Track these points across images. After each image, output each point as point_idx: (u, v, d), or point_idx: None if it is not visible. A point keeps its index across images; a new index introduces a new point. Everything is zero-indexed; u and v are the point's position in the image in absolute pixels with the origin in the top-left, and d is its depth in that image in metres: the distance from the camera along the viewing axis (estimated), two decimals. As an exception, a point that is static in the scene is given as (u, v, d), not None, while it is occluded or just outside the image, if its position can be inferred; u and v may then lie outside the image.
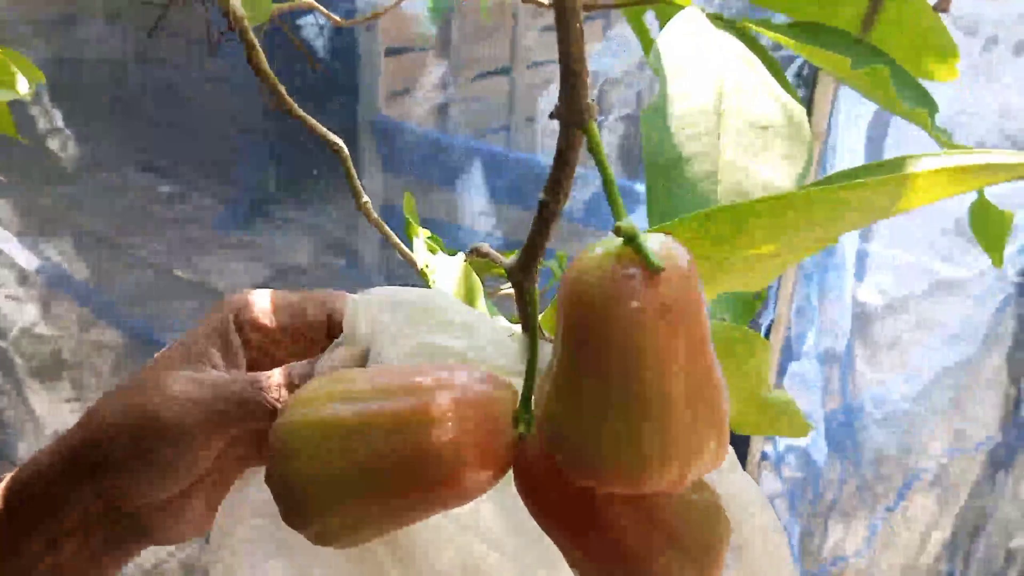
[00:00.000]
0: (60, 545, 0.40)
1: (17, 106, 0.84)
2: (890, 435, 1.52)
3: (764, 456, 1.04)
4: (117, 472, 0.38)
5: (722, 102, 0.57)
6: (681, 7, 0.55)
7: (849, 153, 0.98)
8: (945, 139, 0.61)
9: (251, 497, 0.32)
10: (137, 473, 0.38)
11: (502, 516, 0.35)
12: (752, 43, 0.60)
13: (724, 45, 0.57)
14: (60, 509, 0.40)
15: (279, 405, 0.35)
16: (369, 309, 0.34)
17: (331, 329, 0.40)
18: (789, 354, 1.05)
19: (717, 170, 0.58)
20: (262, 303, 0.38)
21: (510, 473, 0.31)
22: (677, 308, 0.26)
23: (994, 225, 0.59)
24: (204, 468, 0.38)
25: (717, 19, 0.58)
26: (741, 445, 1.00)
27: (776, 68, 0.65)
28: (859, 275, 1.33)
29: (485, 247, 0.39)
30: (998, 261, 0.59)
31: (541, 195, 0.28)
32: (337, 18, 0.79)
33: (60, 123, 2.34)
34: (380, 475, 0.29)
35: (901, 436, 1.56)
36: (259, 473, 0.34)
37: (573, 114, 0.26)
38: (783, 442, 1.08)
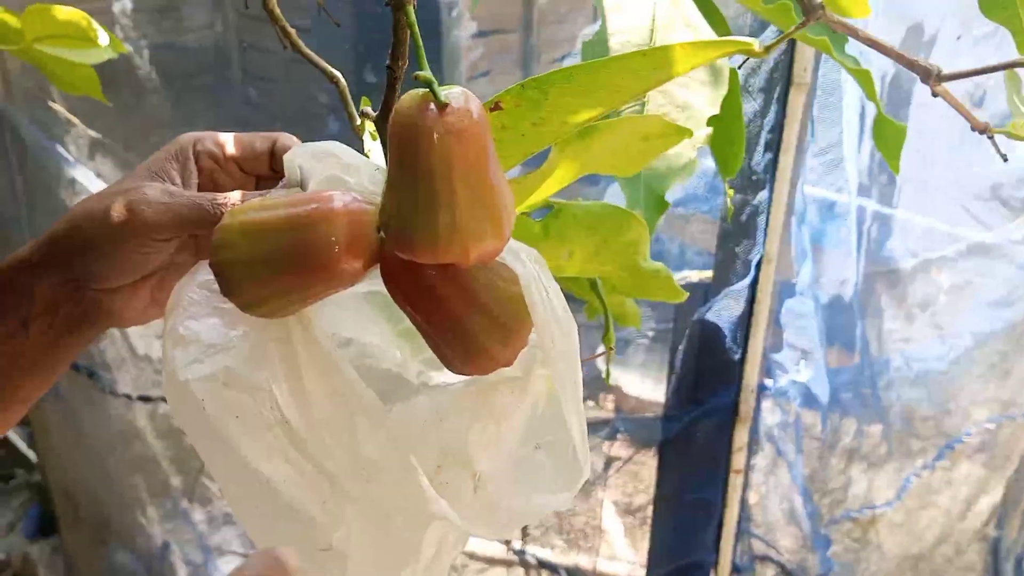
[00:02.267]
0: (28, 326, 0.50)
1: (124, 89, 0.96)
2: (922, 394, 1.56)
3: (763, 388, 1.12)
4: (91, 254, 0.48)
5: (653, 36, 0.68)
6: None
7: (842, 104, 1.06)
8: (851, 64, 0.71)
9: (199, 277, 0.45)
10: (107, 256, 0.48)
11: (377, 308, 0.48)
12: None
13: None
14: (33, 292, 0.49)
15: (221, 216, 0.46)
16: (301, 156, 0.46)
17: (272, 159, 0.51)
18: (786, 291, 1.13)
19: (646, 99, 0.70)
20: (215, 138, 0.51)
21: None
22: (459, 132, 0.37)
23: (892, 137, 0.67)
24: (158, 262, 0.49)
25: None
26: (734, 375, 1.08)
27: (712, 9, 0.75)
28: (884, 236, 1.39)
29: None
30: (896, 168, 0.68)
31: (387, 64, 0.41)
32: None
33: (166, 108, 2.54)
34: (279, 260, 0.42)
35: (936, 397, 1.59)
36: (207, 263, 0.47)
37: (398, 2, 0.38)
38: (784, 377, 1.16)
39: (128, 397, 1.71)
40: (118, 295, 0.50)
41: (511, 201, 0.40)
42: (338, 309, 0.49)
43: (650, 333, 1.30)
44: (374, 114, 0.49)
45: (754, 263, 1.04)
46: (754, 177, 1.03)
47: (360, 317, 0.49)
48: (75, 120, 1.71)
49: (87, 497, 2.13)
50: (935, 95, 0.39)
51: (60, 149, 1.71)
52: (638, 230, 0.58)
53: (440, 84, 0.37)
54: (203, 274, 0.45)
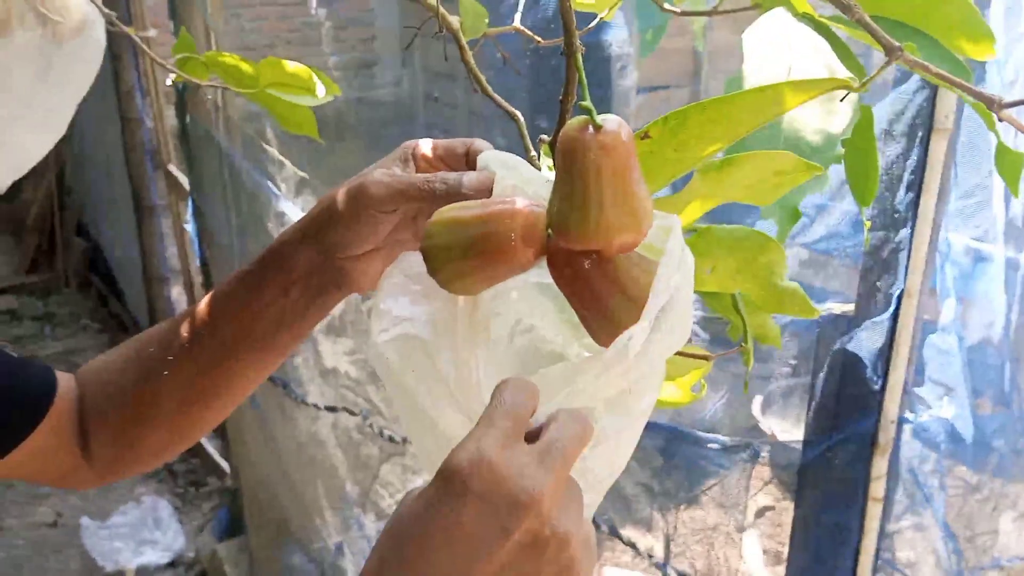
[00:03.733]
0: (289, 291, 0.63)
1: (326, 135, 1.13)
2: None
3: (903, 420, 1.16)
4: (335, 226, 0.61)
5: (790, 73, 0.79)
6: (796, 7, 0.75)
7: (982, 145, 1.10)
8: (971, 100, 0.78)
9: (400, 265, 0.59)
10: (346, 227, 0.60)
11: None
12: (826, 32, 0.80)
13: (798, 34, 0.78)
14: (293, 263, 0.62)
15: (439, 190, 0.58)
16: (492, 160, 0.60)
17: (468, 160, 0.63)
18: (929, 327, 1.17)
19: (781, 121, 0.80)
20: (428, 142, 0.64)
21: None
22: (609, 148, 0.50)
23: (1010, 164, 0.74)
24: (385, 234, 0.61)
25: (805, 16, 0.78)
26: (873, 405, 1.13)
27: (846, 51, 0.84)
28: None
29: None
30: (1015, 191, 0.74)
31: (560, 99, 0.54)
32: (539, 38, 1.05)
33: (361, 153, 2.79)
34: (471, 247, 0.55)
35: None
36: (411, 254, 0.60)
37: (570, 46, 0.52)
38: (926, 412, 1.19)
39: (316, 407, 1.91)
40: (356, 264, 0.63)
41: (649, 206, 0.52)
42: (521, 301, 0.62)
43: (792, 361, 1.36)
44: (548, 139, 0.63)
45: (895, 297, 1.10)
46: (896, 215, 1.09)
47: (535, 306, 0.62)
48: (286, 161, 1.96)
49: (272, 500, 2.35)
50: (1000, 120, 0.48)
51: (271, 186, 1.96)
52: (775, 252, 0.68)
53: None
54: (404, 263, 0.59)
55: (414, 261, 0.59)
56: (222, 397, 0.70)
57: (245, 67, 1.14)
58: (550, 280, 0.57)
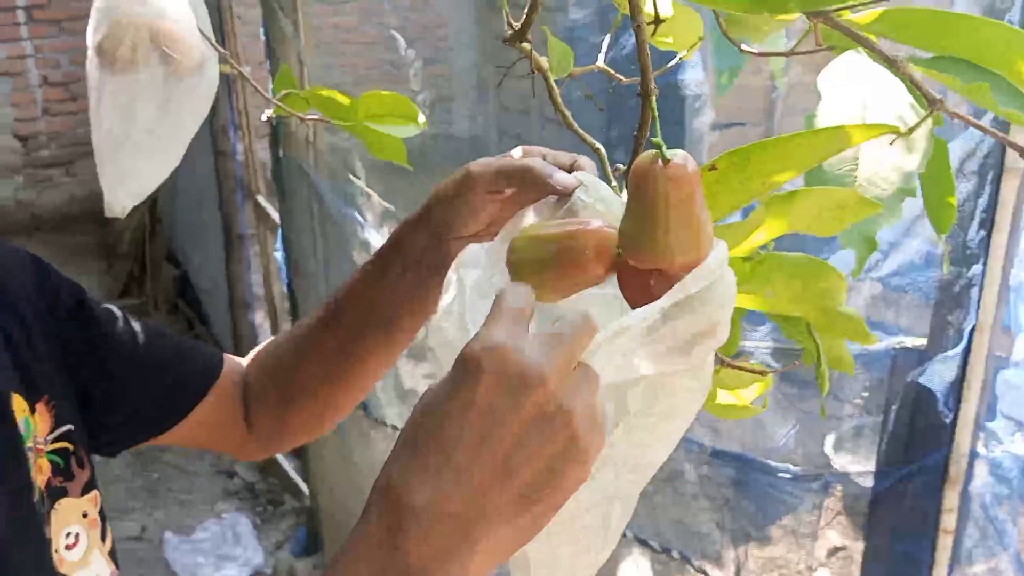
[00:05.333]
0: (406, 271, 0.70)
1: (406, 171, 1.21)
2: None
3: (975, 454, 1.17)
4: (444, 207, 0.67)
5: (865, 111, 0.83)
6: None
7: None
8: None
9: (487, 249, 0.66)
10: (455, 208, 0.66)
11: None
12: (899, 73, 0.84)
13: (873, 75, 0.81)
14: (410, 245, 0.70)
15: (530, 175, 0.64)
16: (585, 179, 0.66)
17: (571, 169, 0.69)
18: (1001, 363, 1.19)
19: (856, 156, 0.84)
20: (535, 149, 0.70)
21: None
22: (675, 179, 0.55)
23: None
24: (489, 216, 0.67)
25: (879, 55, 0.82)
26: (945, 439, 1.14)
27: (918, 92, 0.88)
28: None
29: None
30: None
31: (634, 134, 0.60)
32: (622, 77, 1.11)
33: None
34: (550, 260, 0.61)
35: None
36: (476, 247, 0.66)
37: (645, 89, 0.58)
38: (998, 447, 1.20)
39: (394, 428, 1.98)
40: (463, 244, 0.67)
41: (710, 232, 0.57)
42: (596, 309, 0.68)
43: (864, 395, 1.38)
44: (623, 168, 0.68)
45: (967, 331, 1.12)
46: (968, 252, 1.12)
47: (604, 313, 0.68)
48: (372, 192, 2.05)
49: (349, 519, 2.43)
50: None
51: (357, 216, 2.06)
52: (835, 280, 0.72)
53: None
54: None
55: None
56: (357, 376, 0.77)
57: (342, 100, 1.23)
58: (618, 293, 0.63)
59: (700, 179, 0.57)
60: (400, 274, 0.71)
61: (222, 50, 1.35)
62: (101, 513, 0.71)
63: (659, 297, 0.59)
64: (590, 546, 0.64)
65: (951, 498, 1.19)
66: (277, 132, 2.27)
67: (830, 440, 2.53)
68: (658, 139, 0.55)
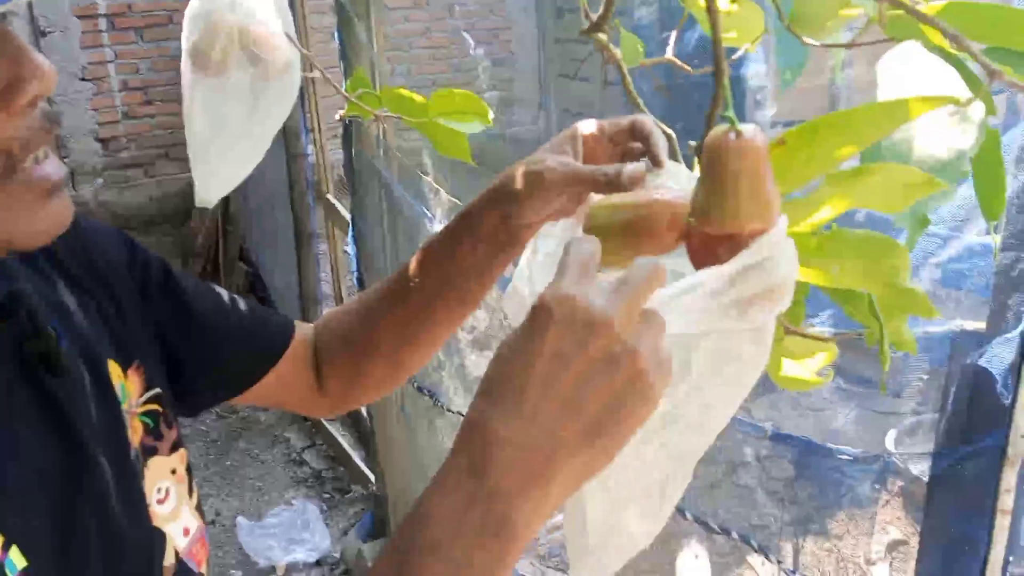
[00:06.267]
0: (476, 247, 0.76)
1: (470, 168, 1.27)
2: None
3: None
4: (513, 198, 0.72)
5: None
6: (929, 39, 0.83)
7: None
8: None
9: (561, 225, 0.72)
10: (522, 200, 0.71)
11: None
12: (955, 61, 0.87)
13: (930, 64, 0.85)
14: (481, 223, 0.75)
15: (602, 180, 0.69)
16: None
17: (632, 131, 0.73)
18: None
19: (912, 139, 0.87)
20: (596, 122, 0.75)
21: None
22: (745, 151, 0.60)
23: None
24: (553, 208, 0.71)
25: (937, 47, 0.85)
26: (1004, 420, 1.17)
27: (974, 80, 0.92)
28: None
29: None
30: None
31: (707, 112, 0.66)
32: (688, 67, 1.16)
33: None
34: (625, 228, 0.66)
35: None
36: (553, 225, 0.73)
37: (718, 67, 0.63)
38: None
39: (460, 415, 2.05)
40: (529, 230, 0.75)
41: (777, 202, 0.62)
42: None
43: (924, 376, 1.40)
44: (694, 144, 0.74)
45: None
46: (1027, 237, 1.14)
47: (671, 282, 0.74)
48: (440, 189, 2.13)
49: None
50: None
51: (425, 211, 2.13)
52: (900, 256, 0.76)
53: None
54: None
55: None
56: (427, 337, 0.84)
57: (415, 99, 1.30)
58: (685, 267, 0.67)
59: (769, 152, 0.62)
60: (471, 249, 0.77)
61: (307, 52, 1.44)
62: (188, 470, 0.76)
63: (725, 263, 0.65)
64: (645, 513, 0.68)
65: (1009, 478, 1.21)
66: (349, 132, 2.36)
67: (891, 437, 2.53)
68: (730, 114, 0.61)
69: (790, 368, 0.86)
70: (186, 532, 0.72)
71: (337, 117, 2.41)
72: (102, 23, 4.87)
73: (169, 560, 0.69)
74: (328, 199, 3.19)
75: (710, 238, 0.63)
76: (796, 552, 1.65)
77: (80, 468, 0.62)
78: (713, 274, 0.60)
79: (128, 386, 0.71)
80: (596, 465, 0.52)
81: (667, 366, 0.53)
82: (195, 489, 0.76)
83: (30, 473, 0.58)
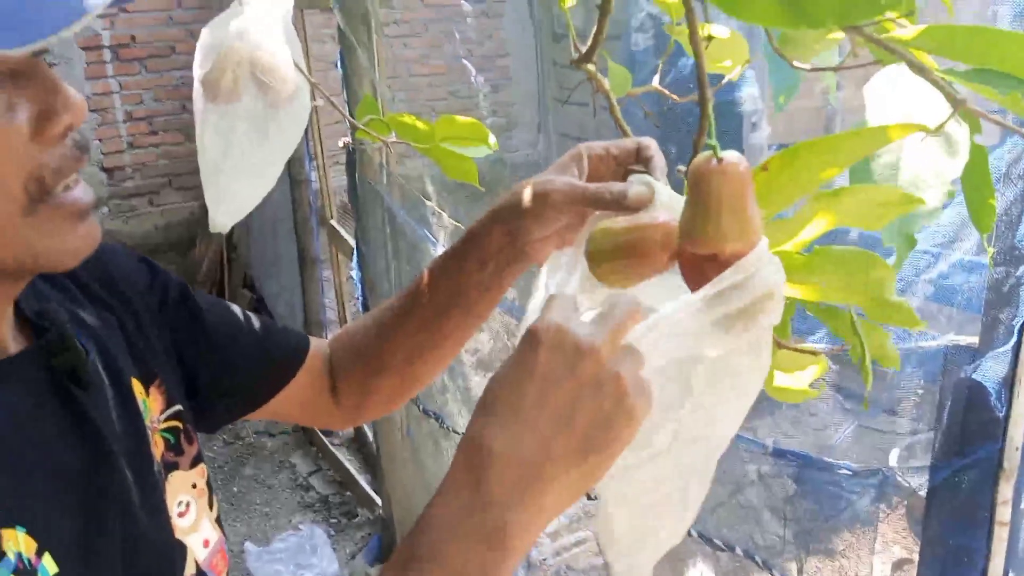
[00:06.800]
0: (484, 263, 0.79)
1: (471, 193, 1.31)
2: None
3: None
4: (520, 216, 0.74)
5: (907, 119, 0.90)
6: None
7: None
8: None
9: (568, 254, 0.75)
10: (529, 218, 0.74)
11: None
12: (939, 85, 0.90)
13: (916, 86, 0.88)
14: (488, 241, 0.78)
15: (607, 198, 0.71)
16: (645, 181, 0.75)
17: (637, 153, 0.75)
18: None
19: (899, 160, 0.90)
20: (601, 144, 0.77)
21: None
22: (727, 175, 0.63)
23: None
24: (559, 226, 0.74)
25: (919, 69, 0.88)
26: (998, 432, 1.19)
27: (958, 103, 0.94)
28: None
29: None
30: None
31: (694, 139, 0.69)
32: (675, 96, 1.20)
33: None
34: (621, 250, 0.70)
35: None
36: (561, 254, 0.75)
37: (703, 97, 0.67)
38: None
39: (465, 436, 2.07)
40: (535, 246, 0.77)
41: (759, 224, 0.65)
42: (660, 291, 0.77)
43: (919, 391, 1.43)
44: (683, 169, 0.78)
45: (1017, 328, 1.17)
46: (1016, 253, 1.17)
47: (669, 297, 0.77)
48: (443, 212, 2.17)
49: (421, 527, 2.52)
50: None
51: (428, 235, 2.17)
52: (883, 270, 0.79)
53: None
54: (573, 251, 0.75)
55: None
56: (438, 351, 0.87)
57: (421, 125, 1.33)
58: (681, 282, 0.70)
59: (750, 176, 0.64)
60: (479, 266, 0.80)
61: (313, 81, 1.48)
62: (208, 484, 0.78)
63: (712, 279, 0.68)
64: (669, 518, 0.71)
65: (1005, 490, 1.23)
66: (353, 158, 2.40)
67: (894, 456, 2.55)
68: (713, 141, 0.64)
69: (781, 380, 0.89)
70: (206, 544, 0.74)
71: (341, 144, 2.45)
72: (106, 54, 4.93)
73: (190, 571, 0.71)
74: (332, 225, 3.23)
75: (697, 258, 0.66)
76: (800, 568, 1.67)
77: (107, 476, 0.64)
78: (694, 298, 0.63)
79: (150, 403, 0.74)
80: (588, 480, 0.56)
81: (647, 393, 0.57)
82: (216, 502, 0.79)
83: (59, 481, 0.61)
